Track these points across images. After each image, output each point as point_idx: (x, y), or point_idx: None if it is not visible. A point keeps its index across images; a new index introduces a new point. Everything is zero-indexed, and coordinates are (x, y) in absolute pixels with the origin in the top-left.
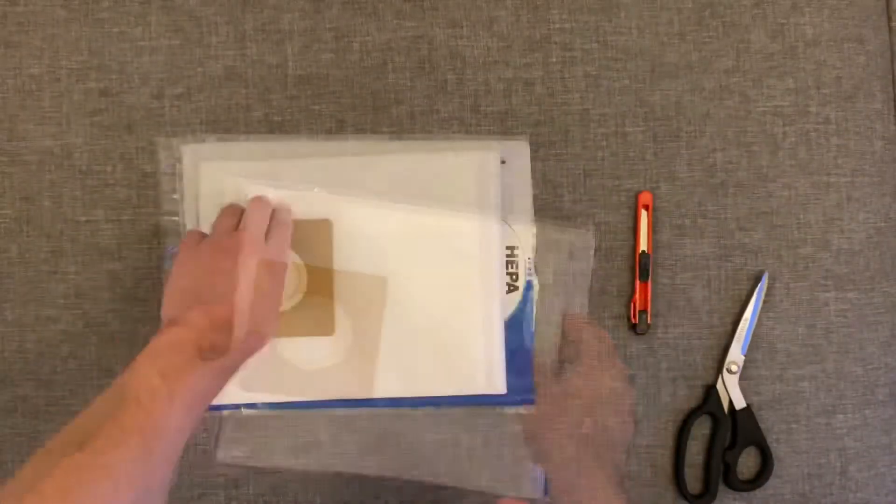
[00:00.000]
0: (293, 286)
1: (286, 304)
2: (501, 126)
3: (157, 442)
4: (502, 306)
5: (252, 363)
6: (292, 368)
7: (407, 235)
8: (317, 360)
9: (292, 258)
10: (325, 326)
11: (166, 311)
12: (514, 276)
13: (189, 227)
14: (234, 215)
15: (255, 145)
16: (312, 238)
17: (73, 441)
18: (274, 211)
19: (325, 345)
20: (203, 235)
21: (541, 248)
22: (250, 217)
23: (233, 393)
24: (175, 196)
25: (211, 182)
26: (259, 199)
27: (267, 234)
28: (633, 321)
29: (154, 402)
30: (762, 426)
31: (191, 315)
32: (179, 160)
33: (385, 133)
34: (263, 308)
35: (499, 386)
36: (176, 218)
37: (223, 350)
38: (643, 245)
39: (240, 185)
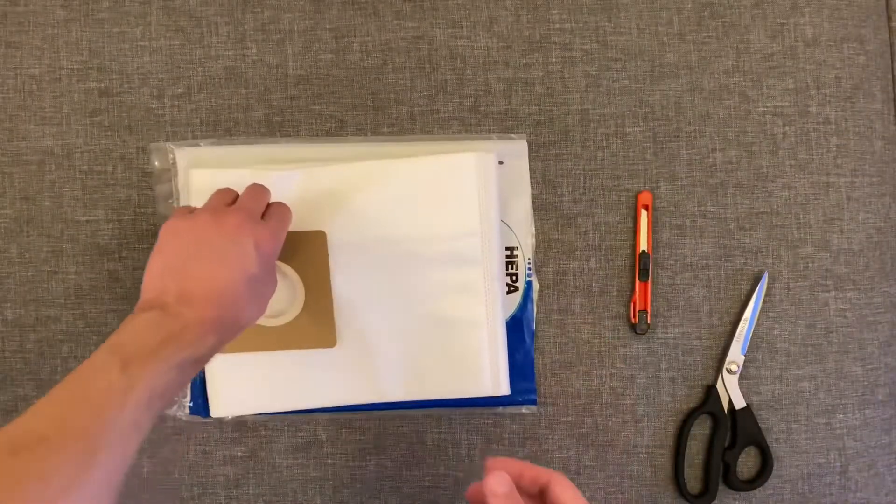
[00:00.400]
0: (290, 300)
1: (285, 318)
2: (501, 126)
3: (104, 445)
4: (504, 308)
5: (249, 378)
6: (293, 380)
7: (406, 241)
8: (319, 372)
9: (288, 272)
10: (326, 339)
11: (145, 288)
12: (514, 277)
13: None
14: (230, 194)
15: (251, 148)
16: (307, 250)
17: (11, 442)
18: (273, 202)
19: (327, 356)
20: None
21: (540, 248)
22: (247, 196)
23: (227, 405)
24: (171, 201)
25: (200, 188)
26: (257, 185)
27: (264, 215)
28: (633, 321)
29: (107, 400)
30: (762, 426)
31: (167, 297)
32: (174, 163)
33: (385, 133)
34: (248, 291)
35: (503, 388)
36: None
37: (200, 339)
38: (643, 245)
39: (236, 176)
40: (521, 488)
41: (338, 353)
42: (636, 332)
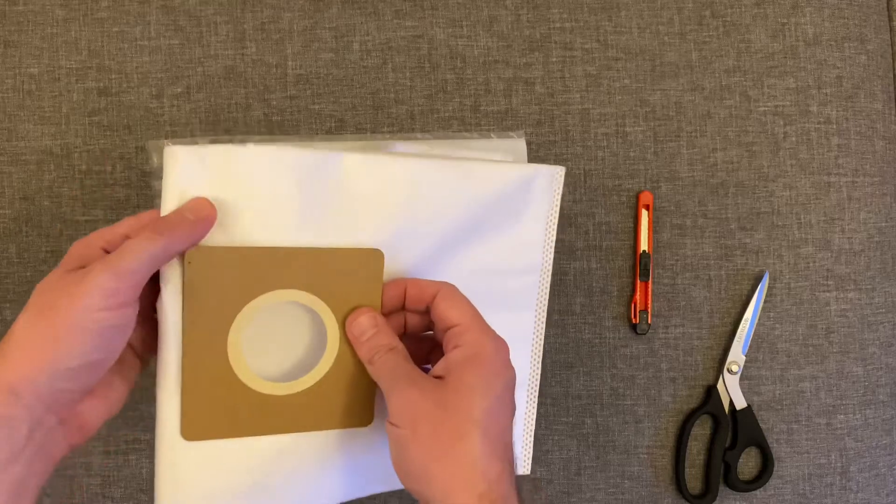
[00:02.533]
0: (311, 354)
1: (303, 381)
2: (501, 126)
3: None
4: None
5: (229, 475)
6: (313, 477)
7: (463, 268)
8: (346, 459)
9: (316, 307)
10: (360, 414)
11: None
12: None
13: None
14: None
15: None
16: (350, 277)
17: None
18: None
19: (357, 439)
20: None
21: None
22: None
23: None
24: (157, 200)
25: (183, 176)
26: (187, 208)
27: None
28: (633, 321)
29: None
30: (763, 426)
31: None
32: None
33: (385, 133)
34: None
35: (522, 466)
36: None
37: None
38: (643, 245)
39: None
40: (407, 308)
41: (370, 436)
42: (637, 333)
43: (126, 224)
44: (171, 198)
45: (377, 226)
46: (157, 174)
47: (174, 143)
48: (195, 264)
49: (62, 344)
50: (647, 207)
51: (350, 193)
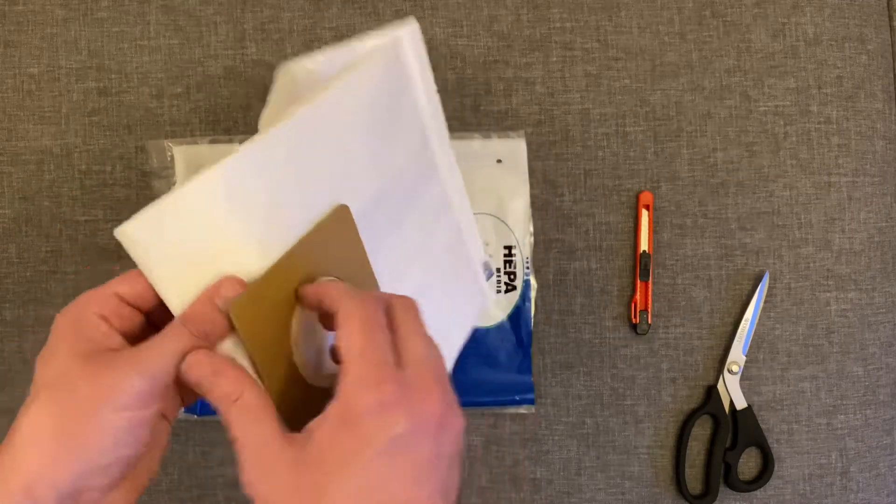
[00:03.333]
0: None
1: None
2: (501, 125)
3: None
4: (501, 305)
5: None
6: None
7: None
8: None
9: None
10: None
11: None
12: (512, 276)
13: None
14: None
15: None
16: (337, 240)
17: None
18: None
19: None
20: None
21: (540, 248)
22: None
23: None
24: None
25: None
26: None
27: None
28: (633, 321)
29: None
30: (763, 426)
31: None
32: (172, 161)
33: None
34: None
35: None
36: None
37: None
38: (644, 245)
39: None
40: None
41: None
42: (637, 333)
43: (116, 285)
44: (159, 280)
45: (317, 189)
46: (158, 174)
47: (175, 143)
48: (240, 314)
49: (89, 442)
50: (647, 207)
51: (277, 175)
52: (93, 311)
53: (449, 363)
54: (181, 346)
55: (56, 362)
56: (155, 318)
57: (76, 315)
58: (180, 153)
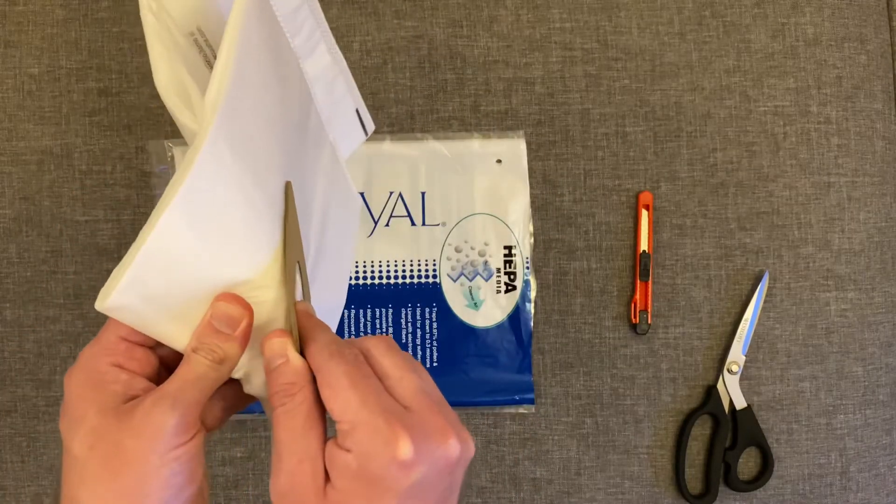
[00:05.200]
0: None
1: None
2: (501, 125)
3: None
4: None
5: None
6: None
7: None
8: None
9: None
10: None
11: None
12: (512, 276)
13: None
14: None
15: None
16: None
17: None
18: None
19: None
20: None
21: (540, 248)
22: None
23: None
24: None
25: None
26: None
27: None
28: (633, 321)
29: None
30: (762, 426)
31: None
32: (172, 161)
33: (385, 132)
34: None
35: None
36: None
37: None
38: (643, 245)
39: None
40: None
41: None
42: (637, 332)
43: (117, 329)
44: (161, 334)
45: (268, 168)
46: (158, 174)
47: (175, 143)
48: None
49: (153, 495)
50: (647, 207)
51: (229, 178)
52: (105, 363)
53: (348, 269)
54: (204, 372)
55: (88, 427)
56: (164, 352)
57: (89, 372)
58: (180, 153)
